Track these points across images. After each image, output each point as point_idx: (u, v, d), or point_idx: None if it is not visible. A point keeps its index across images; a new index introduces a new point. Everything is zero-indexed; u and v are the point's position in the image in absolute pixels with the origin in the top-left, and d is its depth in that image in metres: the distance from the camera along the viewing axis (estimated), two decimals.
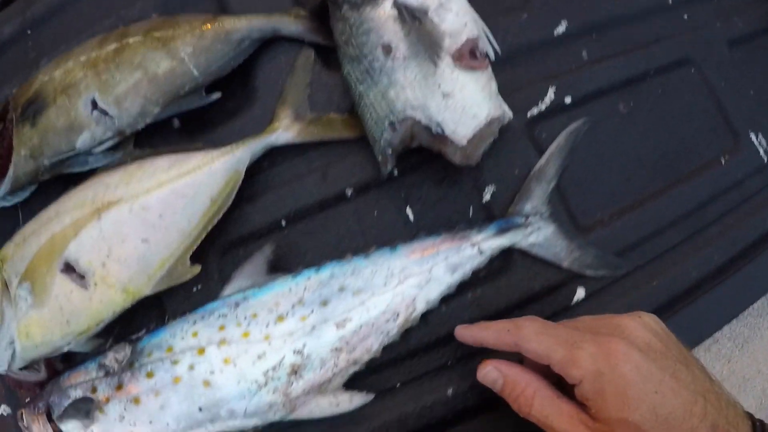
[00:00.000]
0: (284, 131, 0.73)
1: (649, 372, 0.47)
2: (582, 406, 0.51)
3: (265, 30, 0.78)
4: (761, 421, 0.49)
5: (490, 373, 0.59)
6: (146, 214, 0.71)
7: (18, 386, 0.77)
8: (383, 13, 0.69)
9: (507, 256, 0.70)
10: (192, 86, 0.77)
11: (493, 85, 0.68)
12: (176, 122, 0.78)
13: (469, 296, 0.69)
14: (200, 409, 0.66)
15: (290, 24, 0.78)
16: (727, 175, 0.79)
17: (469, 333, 0.63)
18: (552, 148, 0.72)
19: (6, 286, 0.71)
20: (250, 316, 0.67)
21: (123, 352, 0.71)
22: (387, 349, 0.67)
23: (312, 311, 0.66)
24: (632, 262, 0.73)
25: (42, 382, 0.74)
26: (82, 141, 0.77)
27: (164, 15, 0.83)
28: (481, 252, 0.67)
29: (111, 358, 0.71)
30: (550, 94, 0.75)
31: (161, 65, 0.76)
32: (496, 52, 0.69)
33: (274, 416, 0.67)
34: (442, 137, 0.66)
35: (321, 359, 0.65)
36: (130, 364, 0.68)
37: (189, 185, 0.72)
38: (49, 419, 0.70)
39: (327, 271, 0.67)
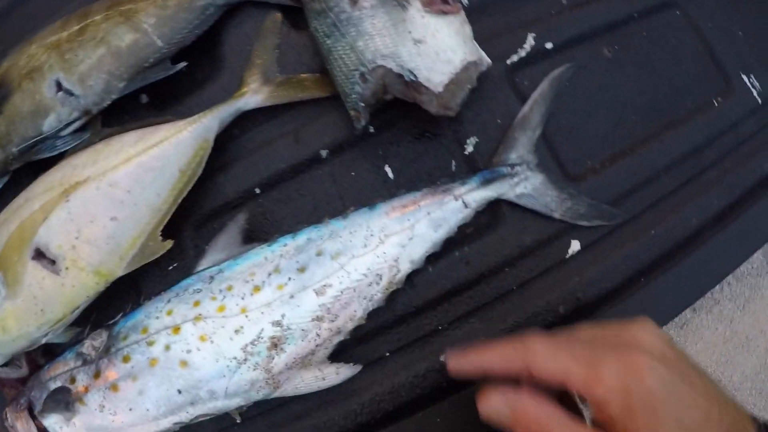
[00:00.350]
0: (253, 95, 0.66)
1: (673, 383, 0.43)
2: (599, 428, 0.44)
3: None
4: (765, 423, 0.46)
5: (496, 405, 0.47)
6: (114, 191, 0.64)
7: (1, 385, 0.70)
8: None
9: (495, 209, 0.63)
10: (157, 57, 0.70)
11: (468, 29, 0.61)
12: (144, 97, 0.72)
13: (457, 254, 0.62)
14: (179, 392, 0.58)
15: None
16: (722, 118, 0.71)
17: (466, 362, 0.51)
18: (535, 94, 0.65)
19: None
20: (225, 289, 0.60)
21: (100, 339, 0.64)
22: (373, 315, 0.60)
23: (289, 279, 0.59)
24: (628, 211, 0.65)
25: (25, 378, 0.67)
26: (48, 124, 0.71)
27: None
28: (465, 205, 0.60)
29: (88, 346, 0.64)
30: (530, 41, 0.68)
31: (124, 39, 0.70)
32: None
33: (258, 394, 0.60)
34: (416, 85, 0.59)
35: (302, 330, 0.58)
36: (107, 350, 0.61)
37: (156, 158, 0.65)
38: (33, 415, 0.63)
39: (303, 236, 0.60)
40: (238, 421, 0.61)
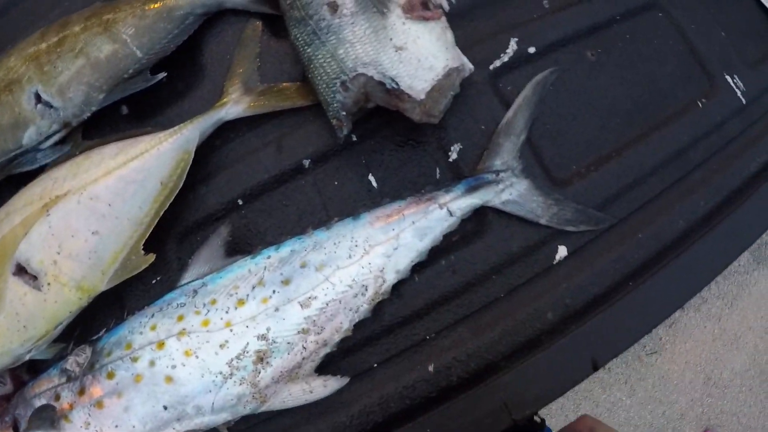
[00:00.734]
0: (234, 105, 0.64)
1: None
2: None
3: (209, 4, 0.69)
4: None
5: None
6: (95, 204, 0.62)
7: None
8: None
9: (480, 217, 0.61)
10: (136, 68, 0.68)
11: (449, 35, 0.59)
12: (124, 109, 0.69)
13: (443, 263, 0.60)
14: (165, 408, 0.56)
15: None
16: (706, 119, 0.70)
17: None
18: (519, 99, 0.63)
19: None
20: (208, 302, 0.58)
21: (84, 355, 0.62)
22: (359, 327, 0.58)
23: (274, 292, 0.57)
24: (615, 215, 0.63)
25: (9, 395, 0.65)
26: (28, 137, 0.68)
27: (107, 2, 0.74)
28: (451, 213, 0.58)
29: (72, 362, 0.61)
30: (513, 45, 0.66)
31: (103, 49, 0.67)
32: (450, 2, 0.61)
33: (245, 409, 0.57)
34: (398, 92, 0.57)
35: (288, 343, 0.56)
36: (91, 366, 0.59)
37: (137, 170, 0.62)
38: None
39: (287, 248, 0.58)
40: None
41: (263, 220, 0.62)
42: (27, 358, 0.63)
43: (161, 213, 0.62)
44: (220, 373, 0.56)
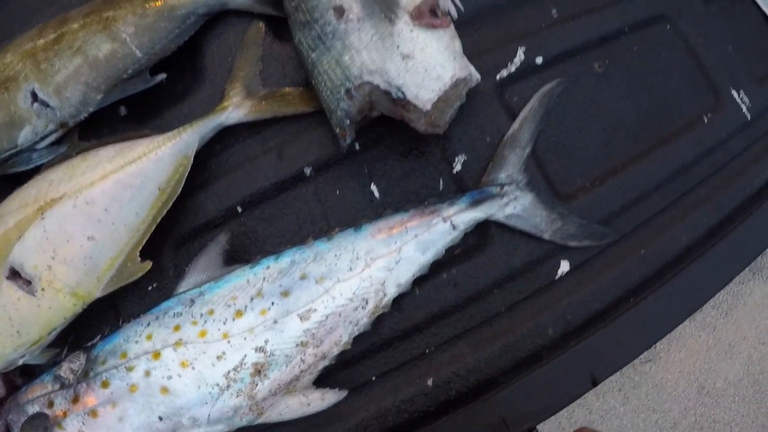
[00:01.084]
0: (234, 109, 0.61)
1: None
2: None
3: (211, 4, 0.66)
4: None
5: None
6: (91, 209, 0.60)
7: None
8: None
9: (483, 230, 0.60)
10: (136, 68, 0.65)
11: (457, 44, 0.57)
12: (123, 110, 0.67)
13: (445, 277, 0.58)
14: (160, 419, 0.55)
15: None
16: (711, 135, 0.68)
17: None
18: (525, 111, 0.61)
19: None
20: (206, 313, 0.56)
21: (78, 362, 0.60)
22: (358, 339, 0.56)
23: (272, 304, 0.55)
24: (618, 230, 0.62)
25: (2, 399, 0.63)
26: (23, 136, 0.66)
27: None
28: (454, 227, 0.56)
29: (66, 369, 0.60)
30: (520, 55, 0.64)
31: (102, 48, 0.65)
32: (459, 10, 0.58)
33: (241, 421, 0.56)
34: (403, 102, 0.55)
35: (286, 356, 0.54)
36: (85, 374, 0.57)
37: (134, 175, 0.60)
38: None
39: (287, 259, 0.56)
40: None
41: (263, 229, 0.60)
42: (20, 363, 0.61)
43: (159, 219, 0.60)
44: (217, 384, 0.54)
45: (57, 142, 0.67)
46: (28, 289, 0.60)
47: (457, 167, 0.61)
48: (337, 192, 0.60)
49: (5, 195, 0.63)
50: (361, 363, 0.58)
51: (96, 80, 0.65)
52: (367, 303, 0.55)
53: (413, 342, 0.59)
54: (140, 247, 0.59)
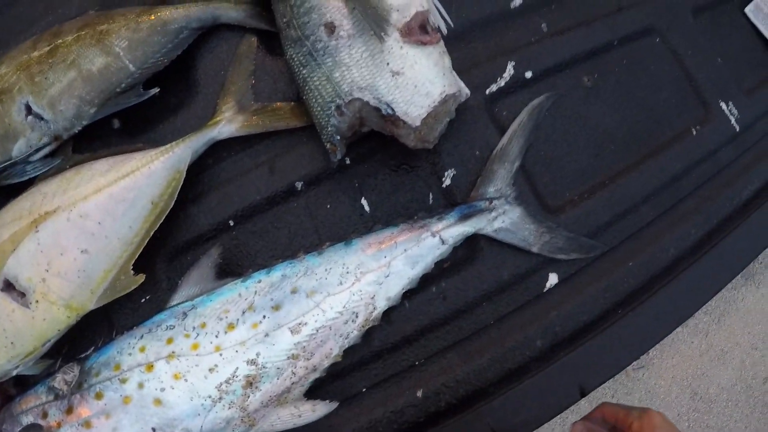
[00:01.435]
0: (227, 124, 0.62)
1: None
2: None
3: (204, 18, 0.67)
4: None
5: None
6: (84, 222, 0.60)
7: None
8: None
9: (472, 244, 0.60)
10: (129, 82, 0.66)
11: (447, 61, 0.58)
12: (116, 123, 0.67)
13: (434, 290, 0.59)
14: (154, 430, 0.55)
15: (230, 10, 0.67)
16: (700, 146, 0.69)
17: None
18: (514, 125, 0.62)
19: None
20: (198, 326, 0.57)
21: (72, 373, 0.61)
22: (349, 351, 0.57)
23: (264, 317, 0.56)
24: (606, 243, 0.63)
25: None
26: (17, 149, 0.66)
27: (102, 10, 0.72)
28: (443, 241, 0.57)
29: (60, 380, 0.60)
30: (510, 70, 0.64)
31: (95, 62, 0.65)
32: (448, 26, 0.59)
33: None
34: (393, 119, 0.56)
35: (277, 368, 0.55)
36: (79, 385, 0.58)
37: (128, 189, 0.61)
38: None
39: (278, 273, 0.57)
40: None
41: (254, 242, 0.61)
42: (14, 373, 0.62)
43: (152, 233, 0.60)
44: (209, 396, 0.55)
45: (51, 155, 0.68)
46: (22, 301, 0.60)
47: (447, 181, 0.62)
48: (328, 206, 0.61)
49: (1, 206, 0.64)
50: (352, 375, 0.59)
51: (89, 94, 0.65)
52: (357, 316, 0.56)
53: (403, 354, 0.60)
54: (133, 260, 0.60)
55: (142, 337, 0.58)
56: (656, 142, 0.68)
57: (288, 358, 0.55)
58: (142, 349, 0.58)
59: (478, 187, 0.60)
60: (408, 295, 0.58)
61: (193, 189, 0.62)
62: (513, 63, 0.64)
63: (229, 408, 0.55)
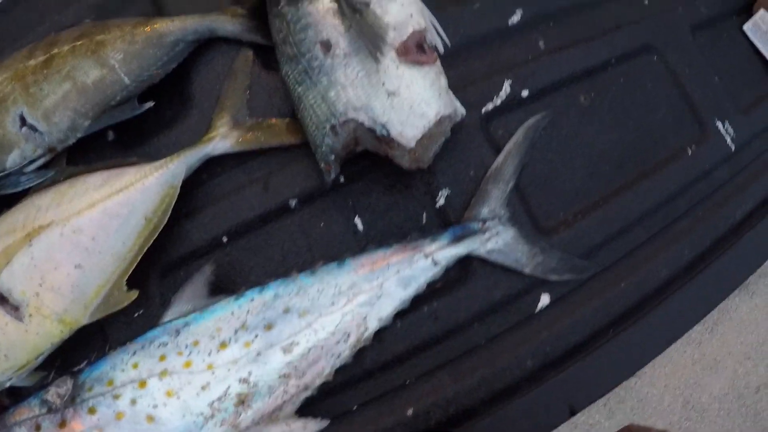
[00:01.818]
0: (221, 140, 0.61)
1: None
2: None
3: (201, 31, 0.66)
4: None
5: None
6: (78, 237, 0.60)
7: None
8: (322, 7, 0.58)
9: (464, 264, 0.60)
10: (124, 95, 0.65)
11: (443, 81, 0.57)
12: (111, 135, 0.67)
13: (426, 310, 0.59)
14: None
15: (227, 23, 0.66)
16: (695, 166, 0.69)
17: None
18: (509, 145, 0.62)
19: None
20: (191, 344, 0.57)
21: (65, 387, 0.61)
22: (340, 371, 0.57)
23: (256, 336, 0.56)
24: (599, 264, 0.63)
25: None
26: (11, 160, 0.66)
27: (98, 19, 0.72)
28: (435, 263, 0.57)
29: (53, 393, 0.60)
30: (506, 88, 0.64)
31: (90, 74, 0.65)
32: (445, 45, 0.59)
33: None
34: (388, 140, 0.55)
35: (269, 387, 0.55)
36: (72, 399, 0.58)
37: (122, 204, 0.61)
38: None
39: (270, 292, 0.57)
40: None
41: (248, 259, 0.61)
42: (7, 385, 0.62)
43: (145, 249, 0.60)
44: (201, 414, 0.55)
45: (45, 166, 0.67)
46: (15, 314, 0.60)
47: (441, 201, 0.61)
48: (322, 224, 0.61)
49: None
50: (343, 393, 0.59)
51: (84, 106, 0.65)
52: (348, 336, 0.56)
53: (394, 373, 0.59)
54: (127, 276, 0.60)
55: (135, 353, 0.58)
56: (651, 162, 0.67)
57: (280, 377, 0.55)
58: (135, 366, 0.58)
59: (471, 207, 0.60)
60: (400, 315, 0.58)
61: (186, 204, 0.61)
62: (510, 81, 0.64)
63: (221, 425, 0.55)
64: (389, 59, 0.56)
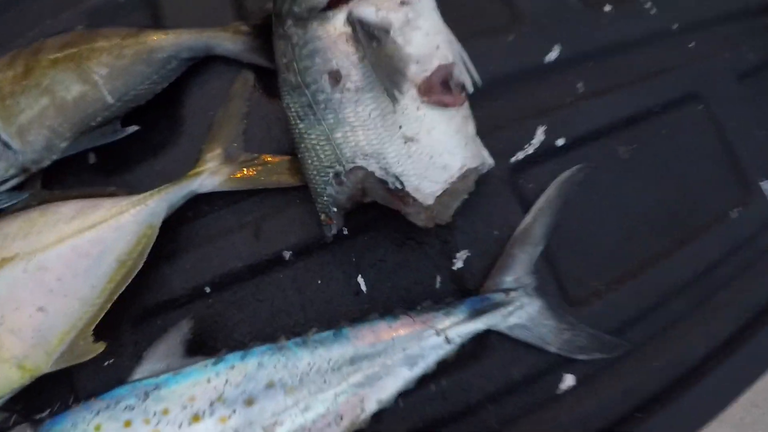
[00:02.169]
0: (210, 176, 0.48)
1: None
2: None
3: (197, 48, 0.52)
4: None
5: None
6: (43, 276, 0.47)
7: None
8: (333, 30, 0.44)
9: (481, 337, 0.46)
10: (106, 116, 0.51)
11: (471, 127, 0.43)
12: (92, 157, 0.53)
13: (433, 388, 0.45)
14: None
15: (227, 41, 0.52)
16: (738, 231, 0.55)
17: None
18: (540, 201, 0.48)
19: None
20: (160, 411, 0.44)
21: None
22: None
23: (234, 411, 0.42)
24: (632, 341, 0.48)
25: None
26: None
27: (90, 27, 0.58)
28: (448, 341, 0.43)
29: None
30: (539, 135, 0.50)
31: (71, 90, 0.51)
32: (475, 84, 0.45)
33: None
34: (401, 194, 0.42)
35: None
36: None
37: (92, 242, 0.47)
38: None
39: (254, 360, 0.43)
40: None
41: (232, 314, 0.47)
42: None
43: (116, 295, 0.46)
44: None
45: (18, 188, 0.54)
46: None
47: (458, 264, 0.47)
48: (319, 281, 0.47)
49: None
50: None
51: (62, 126, 0.51)
52: (342, 419, 0.43)
53: None
54: (94, 325, 0.47)
55: (98, 413, 0.45)
56: (692, 226, 0.53)
57: None
58: (98, 429, 0.44)
59: (494, 274, 0.46)
60: (403, 393, 0.44)
61: (167, 245, 0.48)
62: (544, 127, 0.50)
63: None
64: (409, 98, 0.42)
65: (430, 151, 0.41)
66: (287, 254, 0.47)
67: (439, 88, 0.42)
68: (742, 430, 0.95)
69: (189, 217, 0.49)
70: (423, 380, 0.44)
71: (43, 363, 0.47)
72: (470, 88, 0.44)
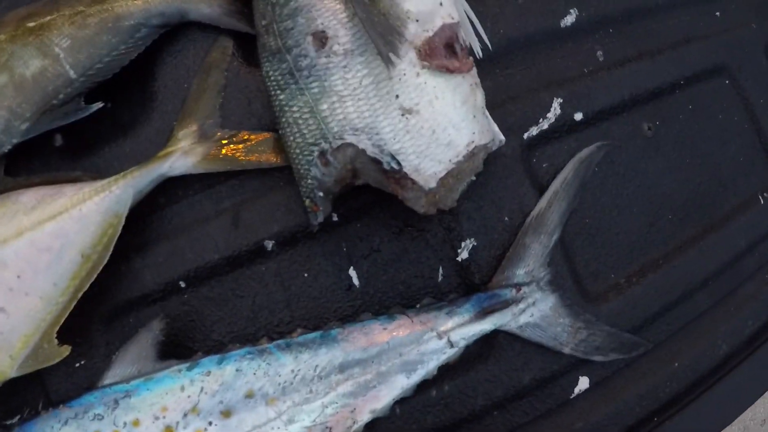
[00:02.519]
0: (182, 157, 0.37)
1: None
2: None
3: (169, 13, 0.41)
4: None
5: None
6: (2, 273, 0.37)
7: None
8: None
9: (487, 337, 0.36)
10: (68, 93, 0.41)
11: (480, 97, 0.33)
12: (59, 139, 0.42)
13: (434, 394, 0.36)
14: None
15: (202, 4, 0.41)
16: (766, 218, 0.46)
17: None
18: (556, 184, 0.38)
19: None
20: (130, 422, 0.35)
21: None
22: None
23: (210, 424, 0.34)
24: (652, 339, 0.39)
25: None
26: None
27: None
28: (451, 344, 0.34)
29: None
30: (555, 108, 0.39)
31: (30, 65, 0.40)
32: (485, 48, 0.35)
33: None
34: (398, 176, 0.31)
35: None
36: None
37: (53, 235, 0.38)
38: None
39: (231, 366, 0.34)
40: None
41: (210, 312, 0.37)
42: None
43: (81, 292, 0.37)
44: None
45: None
46: None
47: (464, 254, 0.37)
48: (306, 275, 0.37)
49: None
50: None
51: (21, 106, 0.40)
52: (331, 431, 0.35)
53: None
54: (58, 326, 0.37)
55: (66, 422, 0.36)
56: (718, 212, 0.43)
57: None
58: None
59: (504, 267, 0.36)
60: (400, 400, 0.36)
61: (138, 235, 0.38)
62: (560, 100, 0.39)
63: None
64: (407, 63, 0.31)
65: (432, 125, 0.31)
66: (270, 244, 0.37)
67: (442, 51, 0.32)
68: (742, 413, 0.87)
69: (161, 203, 0.39)
70: (423, 385, 0.35)
71: (8, 367, 0.38)
72: (479, 53, 0.34)
